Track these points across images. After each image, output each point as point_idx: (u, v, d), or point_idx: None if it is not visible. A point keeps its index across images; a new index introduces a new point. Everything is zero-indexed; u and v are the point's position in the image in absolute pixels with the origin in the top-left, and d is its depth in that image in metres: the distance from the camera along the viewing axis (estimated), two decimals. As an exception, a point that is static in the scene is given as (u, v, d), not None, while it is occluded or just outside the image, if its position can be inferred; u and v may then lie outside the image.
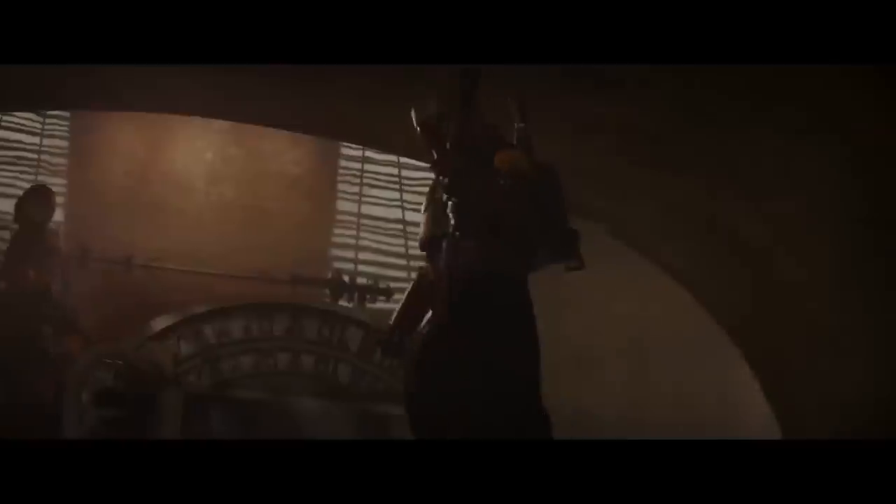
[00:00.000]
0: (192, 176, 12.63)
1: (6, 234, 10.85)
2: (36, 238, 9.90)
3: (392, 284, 12.36)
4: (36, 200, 10.09)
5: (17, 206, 10.15)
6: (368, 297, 12.07)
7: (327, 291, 12.08)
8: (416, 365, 5.60)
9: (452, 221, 5.59)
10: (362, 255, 12.71)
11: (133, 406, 9.50)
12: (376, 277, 12.40)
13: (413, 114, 5.77)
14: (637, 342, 11.72)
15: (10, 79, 8.57)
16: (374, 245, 12.85)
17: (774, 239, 8.77)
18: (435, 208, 5.79)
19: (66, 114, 12.36)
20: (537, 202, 5.54)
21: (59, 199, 11.39)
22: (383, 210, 12.98)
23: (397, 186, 13.14)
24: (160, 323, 10.42)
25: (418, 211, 13.44)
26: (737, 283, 9.55)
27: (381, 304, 11.98)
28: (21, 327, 9.58)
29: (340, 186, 13.31)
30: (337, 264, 12.57)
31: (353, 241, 12.94)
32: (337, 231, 13.01)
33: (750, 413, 10.50)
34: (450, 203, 5.61)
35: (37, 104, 11.24)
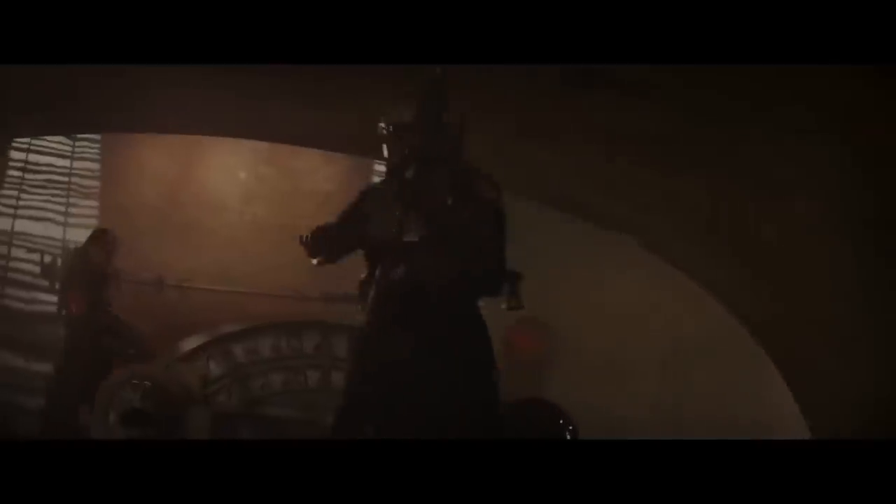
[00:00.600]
0: (226, 195, 12.68)
1: (36, 257, 10.93)
2: (89, 270, 10.13)
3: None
4: (99, 244, 10.32)
5: (83, 246, 10.53)
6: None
7: (360, 308, 12.02)
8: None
9: (395, 229, 5.55)
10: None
11: (159, 426, 9.47)
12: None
13: (384, 115, 5.72)
14: (667, 349, 11.66)
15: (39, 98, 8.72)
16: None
17: (793, 240, 8.71)
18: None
19: (97, 136, 12.45)
20: (489, 229, 5.50)
21: (90, 221, 11.58)
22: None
23: (431, 201, 13.08)
24: (190, 343, 10.41)
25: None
26: (758, 285, 9.49)
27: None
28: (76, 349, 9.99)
29: (373, 203, 13.29)
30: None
31: (386, 257, 12.90)
32: (370, 247, 12.96)
33: (780, 415, 10.36)
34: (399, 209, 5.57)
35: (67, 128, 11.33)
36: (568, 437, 9.44)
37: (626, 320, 11.61)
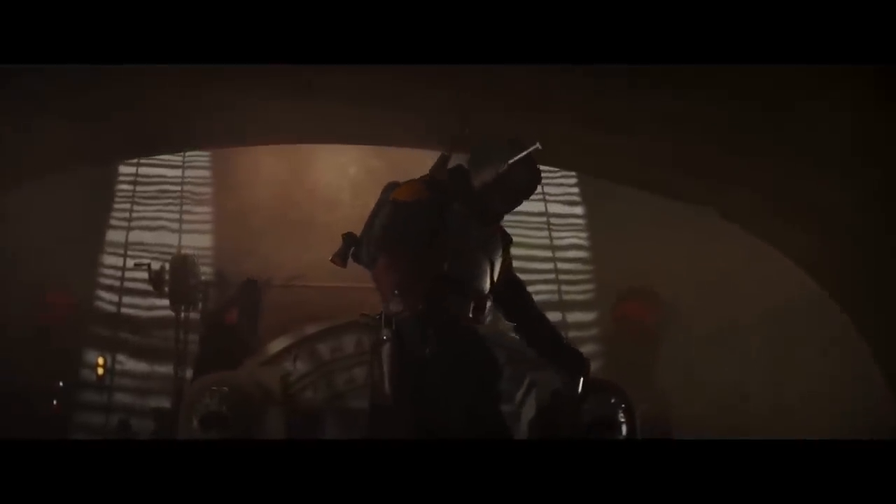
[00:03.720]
0: (337, 191, 12.97)
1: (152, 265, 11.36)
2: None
3: (536, 277, 12.42)
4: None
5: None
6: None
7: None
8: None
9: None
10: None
11: (238, 428, 9.82)
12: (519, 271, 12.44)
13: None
14: (766, 315, 11.47)
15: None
16: (518, 239, 12.79)
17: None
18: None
19: (208, 144, 12.84)
20: None
21: (205, 227, 12.04)
22: (526, 204, 12.81)
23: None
24: (277, 345, 10.72)
25: (561, 203, 13.44)
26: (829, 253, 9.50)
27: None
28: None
29: (485, 186, 13.34)
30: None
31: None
32: (485, 229, 13.04)
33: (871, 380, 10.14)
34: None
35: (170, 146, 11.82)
36: (621, 417, 9.38)
37: (722, 287, 11.49)
